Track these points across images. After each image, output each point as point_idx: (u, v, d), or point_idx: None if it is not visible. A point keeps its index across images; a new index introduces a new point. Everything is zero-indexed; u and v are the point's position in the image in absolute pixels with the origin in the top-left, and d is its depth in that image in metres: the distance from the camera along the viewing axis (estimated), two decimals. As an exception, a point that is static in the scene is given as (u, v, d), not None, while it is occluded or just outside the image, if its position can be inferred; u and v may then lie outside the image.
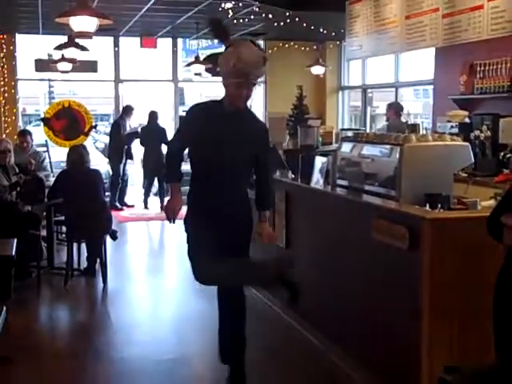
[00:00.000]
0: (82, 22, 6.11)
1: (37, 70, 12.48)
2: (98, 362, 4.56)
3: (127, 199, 11.68)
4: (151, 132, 11.18)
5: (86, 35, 6.37)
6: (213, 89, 13.51)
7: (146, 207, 11.31)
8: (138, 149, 11.82)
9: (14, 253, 4.41)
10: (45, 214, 6.95)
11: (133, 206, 11.56)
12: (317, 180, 4.96)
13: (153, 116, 11.34)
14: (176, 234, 8.03)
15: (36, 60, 12.43)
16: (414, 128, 7.58)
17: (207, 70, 11.66)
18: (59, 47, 9.11)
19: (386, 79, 11.73)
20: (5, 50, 12.17)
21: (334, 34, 11.48)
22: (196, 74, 12.15)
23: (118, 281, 6.74)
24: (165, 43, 13.17)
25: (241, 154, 3.71)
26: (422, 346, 3.43)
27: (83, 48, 8.94)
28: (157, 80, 14.36)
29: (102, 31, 6.86)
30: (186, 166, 3.80)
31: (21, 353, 4.59)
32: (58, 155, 9.76)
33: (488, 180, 5.80)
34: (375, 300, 3.90)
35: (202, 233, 3.72)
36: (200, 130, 3.71)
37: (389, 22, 8.26)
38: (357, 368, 4.09)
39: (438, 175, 4.00)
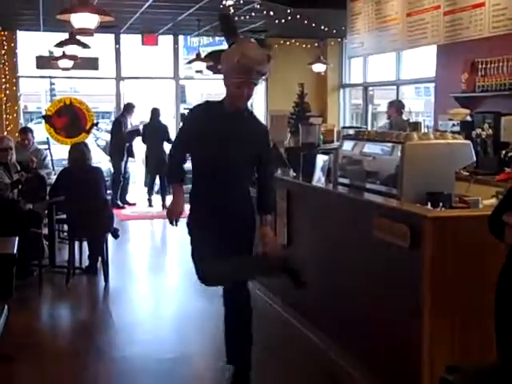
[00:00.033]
0: (83, 19, 6.10)
1: (38, 67, 12.47)
2: (100, 360, 4.57)
3: (129, 197, 11.68)
4: (153, 129, 11.18)
5: (87, 32, 6.36)
6: (214, 86, 13.53)
7: (150, 205, 11.32)
8: (139, 147, 11.83)
9: (15, 251, 4.41)
10: (46, 212, 6.95)
11: (134, 204, 11.55)
12: (318, 178, 4.95)
13: (155, 113, 11.34)
14: (177, 233, 8.01)
15: (37, 57, 12.41)
16: (416, 126, 7.55)
17: (208, 67, 11.65)
18: (60, 44, 9.09)
19: (388, 77, 11.72)
20: (6, 47, 12.15)
21: (335, 31, 11.47)
22: (197, 72, 12.12)
23: (120, 279, 6.74)
24: (166, 40, 13.16)
25: (241, 154, 3.72)
26: (423, 344, 3.42)
27: (84, 45, 8.92)
28: (158, 77, 14.33)
29: (103, 28, 6.87)
30: (187, 164, 3.83)
31: (22, 351, 4.60)
32: (59, 153, 9.76)
33: (490, 178, 5.78)
34: (376, 298, 3.90)
35: (205, 232, 3.73)
36: (202, 129, 3.73)
37: (390, 19, 8.25)
38: (357, 367, 4.08)
39: (440, 173, 3.99)
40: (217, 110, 3.77)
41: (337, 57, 13.35)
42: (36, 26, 11.26)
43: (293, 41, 12.77)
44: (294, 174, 5.45)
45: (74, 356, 4.68)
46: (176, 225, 3.86)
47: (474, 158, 4.35)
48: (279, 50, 12.43)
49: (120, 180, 11.32)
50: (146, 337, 5.07)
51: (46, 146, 9.46)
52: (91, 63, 12.32)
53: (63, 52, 9.81)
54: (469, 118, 7.17)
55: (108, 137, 12.87)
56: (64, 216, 6.97)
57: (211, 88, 15.38)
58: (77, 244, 6.99)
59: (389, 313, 3.76)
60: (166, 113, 13.26)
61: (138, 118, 12.26)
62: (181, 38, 13.48)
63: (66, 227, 7.48)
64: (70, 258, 6.53)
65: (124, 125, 11.37)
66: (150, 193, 11.46)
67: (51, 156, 9.02)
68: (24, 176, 6.83)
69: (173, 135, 11.65)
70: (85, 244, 7.12)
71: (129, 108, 11.61)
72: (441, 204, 3.73)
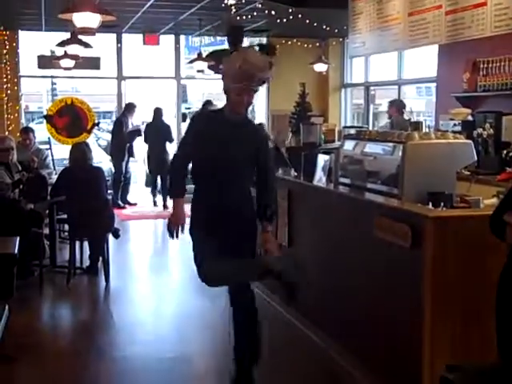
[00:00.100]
0: (84, 19, 6.10)
1: (39, 67, 12.47)
2: (101, 360, 4.56)
3: (129, 197, 11.67)
4: (156, 129, 11.17)
5: (88, 31, 6.37)
6: (215, 86, 13.51)
7: (155, 205, 11.32)
8: (140, 147, 11.82)
9: (16, 251, 4.41)
10: (47, 211, 6.95)
11: (135, 204, 11.55)
12: (319, 178, 4.95)
13: (157, 113, 11.34)
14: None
15: (39, 56, 12.41)
16: (417, 126, 7.55)
17: (210, 67, 11.64)
18: (62, 44, 9.10)
19: (389, 77, 11.71)
20: (7, 47, 12.14)
21: (336, 30, 11.46)
22: (198, 71, 12.13)
23: (121, 279, 6.74)
24: (167, 40, 13.16)
25: (241, 153, 3.74)
26: (423, 344, 3.42)
27: (86, 44, 8.92)
28: (159, 77, 14.34)
29: (104, 28, 6.87)
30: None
31: (23, 351, 4.59)
32: (60, 153, 9.76)
33: (491, 178, 5.77)
34: (377, 298, 3.89)
35: (206, 232, 3.72)
36: (204, 132, 3.76)
37: (392, 18, 8.24)
38: (358, 366, 4.08)
39: (441, 173, 3.98)
40: (217, 118, 3.82)
41: (338, 56, 13.34)
42: (38, 25, 11.27)
43: (294, 40, 12.77)
44: (295, 174, 5.45)
45: (75, 356, 4.68)
46: (177, 237, 3.80)
47: (475, 158, 4.35)
48: (281, 50, 12.43)
49: (121, 180, 11.30)
50: (146, 336, 5.07)
51: (47, 146, 9.46)
52: (93, 63, 12.32)
53: (65, 51, 9.82)
54: (470, 118, 7.16)
55: (109, 137, 12.87)
56: (65, 216, 6.98)
57: (212, 88, 15.38)
58: (78, 244, 6.99)
59: (390, 312, 3.76)
60: (168, 112, 13.26)
61: (140, 118, 12.25)
62: (182, 37, 13.49)
63: (66, 227, 7.48)
64: (71, 257, 6.52)
65: (125, 125, 11.36)
66: (153, 193, 11.46)
67: (52, 156, 9.01)
68: (25, 176, 6.84)
69: (175, 135, 11.70)
70: (85, 244, 7.11)
71: (130, 108, 11.60)
72: (442, 204, 3.73)
